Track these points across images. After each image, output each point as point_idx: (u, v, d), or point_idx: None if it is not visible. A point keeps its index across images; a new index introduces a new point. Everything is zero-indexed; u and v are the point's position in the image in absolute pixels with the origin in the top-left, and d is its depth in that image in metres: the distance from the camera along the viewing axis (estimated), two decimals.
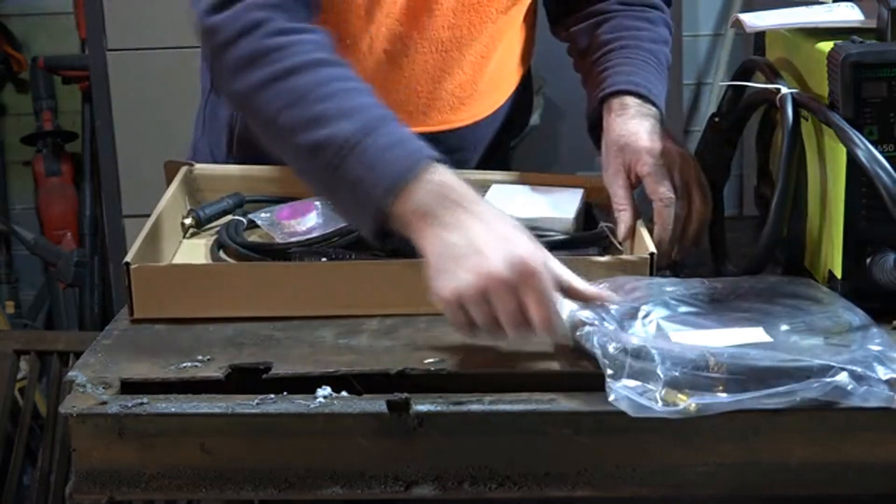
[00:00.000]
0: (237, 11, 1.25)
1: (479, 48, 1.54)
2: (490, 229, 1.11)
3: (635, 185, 1.39)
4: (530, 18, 1.63)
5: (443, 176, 1.14)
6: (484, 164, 1.67)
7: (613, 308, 1.17)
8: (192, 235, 1.50)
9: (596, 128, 1.47)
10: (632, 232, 1.37)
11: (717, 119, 1.49)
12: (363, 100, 1.21)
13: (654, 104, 1.44)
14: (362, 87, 1.23)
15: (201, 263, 1.40)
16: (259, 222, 1.45)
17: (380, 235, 1.18)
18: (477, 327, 1.11)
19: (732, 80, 1.48)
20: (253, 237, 1.45)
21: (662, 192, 1.36)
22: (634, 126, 1.41)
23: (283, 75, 1.21)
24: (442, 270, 1.11)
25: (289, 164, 1.27)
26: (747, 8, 2.81)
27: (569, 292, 1.14)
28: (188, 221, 1.49)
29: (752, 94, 1.41)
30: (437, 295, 1.11)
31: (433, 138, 1.50)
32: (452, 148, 1.58)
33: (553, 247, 1.36)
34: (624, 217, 1.39)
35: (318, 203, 1.45)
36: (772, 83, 1.34)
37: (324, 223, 1.44)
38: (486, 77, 1.57)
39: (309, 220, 1.44)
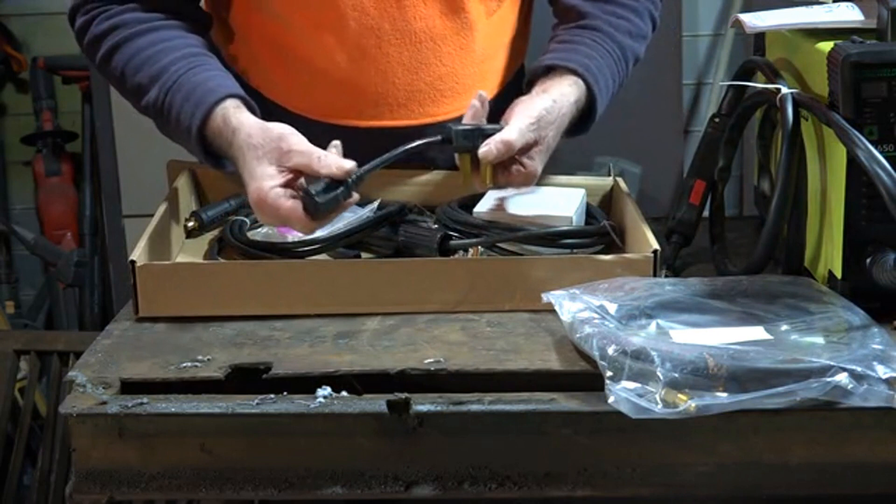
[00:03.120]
0: (85, 10, 1.49)
1: (457, 40, 1.54)
2: (242, 177, 1.34)
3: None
4: (522, 13, 1.63)
5: (212, 126, 1.37)
6: None
7: (613, 308, 1.17)
8: (195, 237, 1.50)
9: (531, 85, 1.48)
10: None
11: (717, 119, 1.49)
12: (164, 61, 1.42)
13: (589, 88, 1.45)
14: (164, 47, 1.43)
15: (207, 262, 1.41)
16: (260, 238, 1.45)
17: (214, 164, 1.42)
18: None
19: (733, 80, 1.48)
20: (256, 237, 1.45)
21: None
22: (553, 98, 1.42)
23: (107, 57, 1.46)
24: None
25: None
26: (747, 8, 2.81)
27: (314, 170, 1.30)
28: (191, 224, 1.49)
29: (753, 94, 1.41)
30: None
31: (417, 131, 1.51)
32: None
33: (557, 238, 1.37)
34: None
35: None
36: (772, 83, 1.34)
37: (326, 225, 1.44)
38: (470, 70, 1.57)
39: None
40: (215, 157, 1.41)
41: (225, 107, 1.38)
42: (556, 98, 1.42)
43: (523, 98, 1.43)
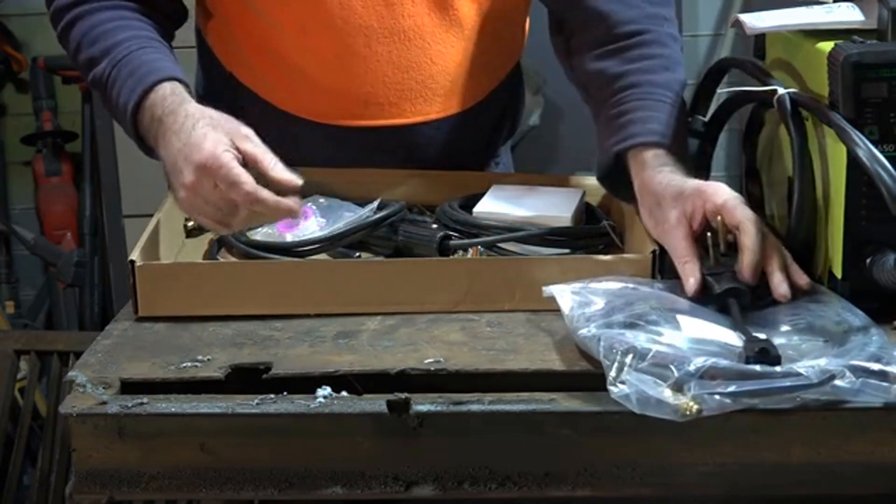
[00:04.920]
0: None
1: (447, 38, 1.53)
2: (180, 141, 1.28)
3: (697, 232, 1.25)
4: (518, 12, 1.62)
5: (154, 97, 1.34)
6: (476, 161, 1.66)
7: (613, 308, 1.17)
8: (195, 237, 1.50)
9: (611, 175, 1.38)
10: (700, 286, 1.22)
11: (689, 119, 1.47)
12: (119, 37, 1.41)
13: (675, 152, 1.34)
14: (122, 24, 1.43)
15: (207, 262, 1.41)
16: (259, 238, 1.44)
17: (148, 153, 1.39)
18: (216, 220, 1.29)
19: (705, 79, 1.48)
20: (256, 237, 1.45)
21: (748, 213, 1.23)
22: (679, 176, 1.29)
23: (67, 28, 1.46)
24: (171, 181, 1.31)
25: None
26: (747, 8, 2.81)
27: (264, 175, 1.25)
28: (191, 224, 1.49)
29: (740, 92, 1.40)
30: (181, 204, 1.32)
31: (410, 130, 1.51)
32: (433, 141, 1.57)
33: (557, 238, 1.37)
34: (689, 269, 1.23)
35: (313, 206, 1.45)
36: (761, 82, 1.34)
37: (326, 224, 1.44)
38: (462, 68, 1.56)
39: (310, 226, 1.44)
40: (146, 142, 1.37)
41: (174, 83, 1.34)
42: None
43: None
